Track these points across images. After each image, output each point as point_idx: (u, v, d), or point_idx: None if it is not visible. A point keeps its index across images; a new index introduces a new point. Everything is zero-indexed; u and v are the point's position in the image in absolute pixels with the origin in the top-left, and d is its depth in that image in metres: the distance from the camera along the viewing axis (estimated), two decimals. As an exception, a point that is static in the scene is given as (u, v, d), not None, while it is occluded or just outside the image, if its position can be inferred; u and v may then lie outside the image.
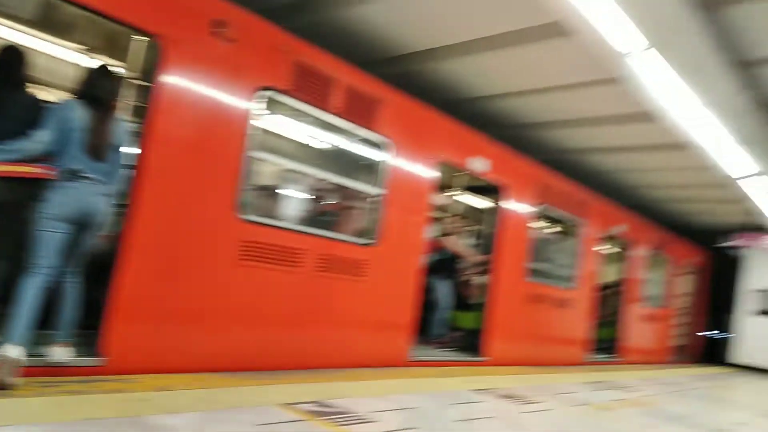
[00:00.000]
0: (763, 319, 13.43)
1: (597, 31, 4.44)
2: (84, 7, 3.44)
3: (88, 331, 3.58)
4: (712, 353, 14.37)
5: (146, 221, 3.70)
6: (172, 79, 3.77)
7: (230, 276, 4.19)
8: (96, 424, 2.62)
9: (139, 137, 3.69)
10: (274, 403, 3.44)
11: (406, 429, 3.51)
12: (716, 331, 14.83)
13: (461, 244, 7.90)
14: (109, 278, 3.61)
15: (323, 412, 3.44)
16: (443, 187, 9.53)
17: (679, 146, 7.41)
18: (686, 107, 5.74)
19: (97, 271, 3.59)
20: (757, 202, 9.26)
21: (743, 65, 5.59)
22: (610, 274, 11.81)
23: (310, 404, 3.57)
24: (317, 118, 4.95)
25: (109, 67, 3.57)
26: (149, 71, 3.74)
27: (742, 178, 8.04)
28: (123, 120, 3.59)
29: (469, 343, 7.27)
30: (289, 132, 6.55)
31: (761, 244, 12.04)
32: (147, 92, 3.73)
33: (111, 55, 5.02)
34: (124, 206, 3.66)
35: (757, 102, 5.89)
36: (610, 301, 10.83)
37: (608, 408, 5.25)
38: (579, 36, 4.67)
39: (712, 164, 7.63)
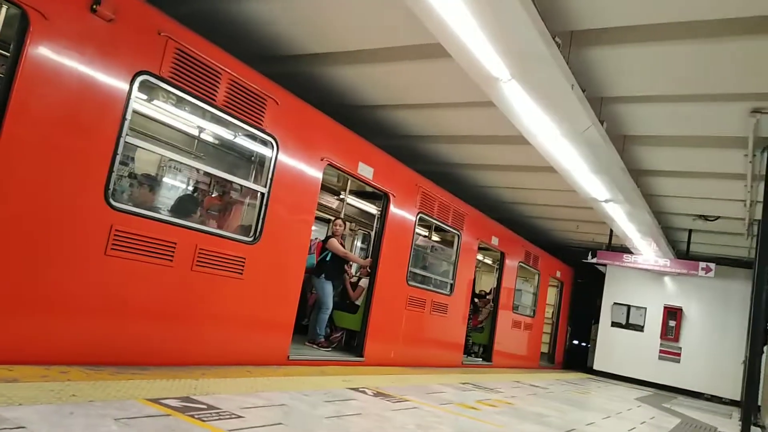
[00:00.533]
0: (617, 330, 14.91)
1: (474, 56, 4.74)
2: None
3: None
4: (575, 360, 15.71)
5: None
6: (41, 53, 3.55)
7: (97, 266, 4.00)
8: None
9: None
10: (139, 398, 3.34)
11: (272, 425, 3.52)
12: (579, 341, 16.26)
13: (345, 246, 8.04)
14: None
15: (189, 407, 3.38)
16: (334, 190, 9.67)
17: (550, 169, 7.98)
18: (546, 135, 6.29)
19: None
20: (619, 223, 10.23)
21: (596, 101, 6.22)
22: (485, 283, 12.55)
23: (177, 400, 3.49)
24: (200, 109, 4.86)
25: None
26: (16, 41, 3.49)
27: (605, 201, 8.86)
28: None
29: (350, 344, 7.42)
30: (172, 121, 6.33)
31: (621, 262, 13.34)
32: (11, 63, 3.48)
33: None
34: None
35: (608, 135, 6.57)
36: (484, 309, 11.55)
37: (472, 407, 5.58)
38: (460, 59, 4.96)
39: (579, 187, 8.36)
